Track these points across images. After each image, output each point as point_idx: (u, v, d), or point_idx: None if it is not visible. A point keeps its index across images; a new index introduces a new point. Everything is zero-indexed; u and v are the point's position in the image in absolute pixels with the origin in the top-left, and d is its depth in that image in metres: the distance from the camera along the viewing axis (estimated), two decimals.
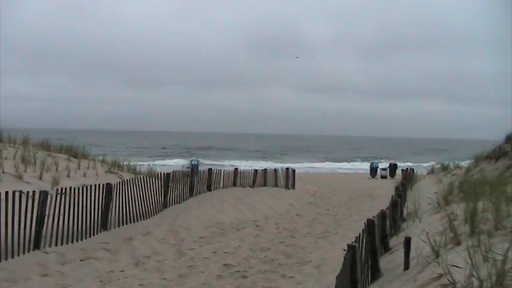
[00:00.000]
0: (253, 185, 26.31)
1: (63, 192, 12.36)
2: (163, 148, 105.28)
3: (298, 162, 75.20)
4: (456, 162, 29.36)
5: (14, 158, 17.27)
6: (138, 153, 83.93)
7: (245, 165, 54.95)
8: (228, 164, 60.67)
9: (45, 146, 21.69)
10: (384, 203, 18.18)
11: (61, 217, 11.98)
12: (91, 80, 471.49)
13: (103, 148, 72.26)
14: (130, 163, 24.20)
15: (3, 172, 15.21)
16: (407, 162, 71.24)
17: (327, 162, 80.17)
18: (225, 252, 12.67)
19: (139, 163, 27.88)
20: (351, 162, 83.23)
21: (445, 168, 28.72)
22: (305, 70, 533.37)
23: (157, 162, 57.71)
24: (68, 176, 17.42)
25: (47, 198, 11.39)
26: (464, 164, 27.65)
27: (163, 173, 18.70)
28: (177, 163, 54.62)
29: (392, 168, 46.39)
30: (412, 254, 7.18)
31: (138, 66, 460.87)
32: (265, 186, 27.44)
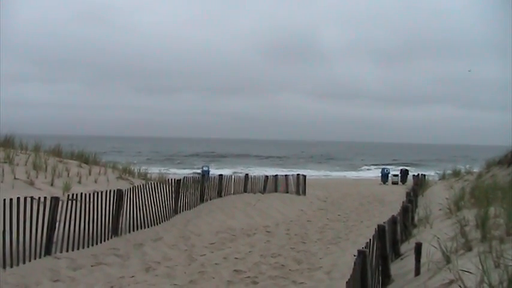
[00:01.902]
0: (263, 191, 26.28)
1: (74, 198, 12.40)
2: (177, 155, 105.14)
3: (311, 168, 75.14)
4: (468, 167, 29.20)
5: (26, 164, 17.36)
6: (152, 159, 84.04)
7: (259, 171, 54.79)
8: (241, 171, 60.62)
9: (57, 152, 21.79)
10: (395, 209, 18.10)
11: (72, 223, 12.02)
12: (105, 87, 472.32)
13: (117, 154, 72.55)
14: (141, 169, 24.25)
15: (15, 178, 15.29)
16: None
17: (340, 170, 79.80)
18: (235, 258, 12.66)
19: (152, 170, 27.92)
20: (364, 167, 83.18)
21: (456, 173, 28.56)
22: (320, 76, 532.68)
23: (170, 168, 57.95)
24: (79, 182, 17.48)
25: (58, 204, 11.43)
26: (476, 169, 27.48)
27: (174, 179, 18.72)
28: (189, 170, 54.66)
29: (404, 174, 46.18)
30: (423, 259, 7.16)
31: (153, 72, 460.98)
32: (276, 192, 27.40)
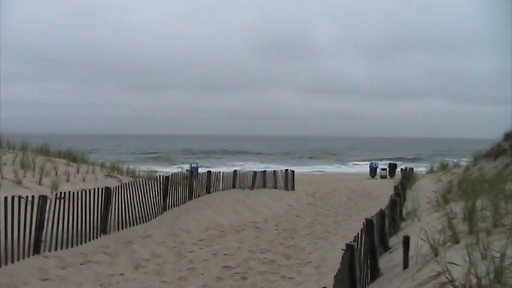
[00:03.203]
0: (252, 187, 26.31)
1: (62, 196, 12.35)
2: (168, 152, 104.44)
3: (301, 163, 75.32)
4: (455, 160, 29.39)
5: (13, 163, 17.28)
6: (142, 157, 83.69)
7: (249, 167, 54.66)
8: (234, 167, 60.40)
9: (44, 151, 21.70)
10: (384, 203, 18.15)
11: (60, 221, 11.97)
12: (96, 85, 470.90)
13: (107, 152, 72.23)
14: (130, 167, 24.20)
15: (2, 177, 15.22)
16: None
17: (329, 165, 79.92)
18: (224, 254, 12.67)
19: (142, 167, 27.85)
20: (353, 162, 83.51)
21: (444, 167, 28.72)
22: (311, 71, 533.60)
23: (160, 166, 57.78)
24: (67, 180, 17.43)
25: (46, 203, 11.38)
26: (464, 162, 27.65)
27: (163, 176, 18.69)
28: (180, 167, 54.46)
29: (392, 168, 46.32)
30: (411, 252, 7.20)
31: (144, 70, 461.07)
32: (265, 188, 27.44)
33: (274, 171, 30.33)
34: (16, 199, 10.51)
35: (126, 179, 19.65)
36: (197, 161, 40.40)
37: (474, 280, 4.52)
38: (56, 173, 17.93)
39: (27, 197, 11.13)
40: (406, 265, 7.18)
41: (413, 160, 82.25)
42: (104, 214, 13.95)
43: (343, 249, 6.83)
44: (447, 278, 4.93)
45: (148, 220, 16.42)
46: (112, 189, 14.52)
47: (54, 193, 13.75)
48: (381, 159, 73.73)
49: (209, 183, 22.80)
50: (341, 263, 6.38)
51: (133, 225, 15.42)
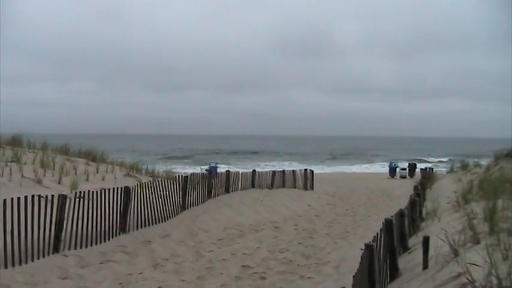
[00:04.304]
0: (271, 187, 26.28)
1: (82, 196, 12.43)
2: (189, 151, 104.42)
3: (322, 163, 75.11)
4: (476, 160, 29.14)
5: (33, 162, 17.43)
6: (163, 157, 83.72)
7: (270, 168, 54.54)
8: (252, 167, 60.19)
9: (64, 151, 21.86)
10: (403, 203, 18.03)
11: (80, 220, 12.04)
12: (118, 85, 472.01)
13: (128, 152, 72.58)
14: (149, 166, 24.30)
15: (22, 177, 15.36)
16: None
17: (349, 165, 79.56)
18: (243, 254, 12.66)
19: (162, 167, 27.93)
20: (374, 162, 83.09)
21: (464, 166, 28.47)
22: (334, 71, 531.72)
23: (180, 165, 57.95)
24: (87, 179, 17.54)
25: (65, 202, 11.46)
26: (485, 162, 27.39)
27: (182, 176, 18.73)
28: (200, 167, 54.56)
29: (412, 168, 46.08)
30: (431, 253, 7.14)
31: (165, 70, 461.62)
32: (284, 187, 27.39)
33: (293, 170, 30.30)
34: (36, 198, 10.60)
35: (145, 179, 19.73)
36: (216, 161, 40.47)
37: (495, 281, 4.45)
38: (76, 172, 18.06)
39: (47, 196, 11.24)
40: (425, 265, 7.12)
41: (438, 162, 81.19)
42: (123, 213, 14.01)
43: (362, 249, 6.79)
44: (467, 278, 4.87)
45: (168, 219, 16.45)
46: (131, 188, 14.59)
47: (73, 192, 13.84)
48: (417, 160, 72.89)
49: (228, 183, 22.81)
50: (360, 263, 6.34)
51: (153, 224, 15.45)
